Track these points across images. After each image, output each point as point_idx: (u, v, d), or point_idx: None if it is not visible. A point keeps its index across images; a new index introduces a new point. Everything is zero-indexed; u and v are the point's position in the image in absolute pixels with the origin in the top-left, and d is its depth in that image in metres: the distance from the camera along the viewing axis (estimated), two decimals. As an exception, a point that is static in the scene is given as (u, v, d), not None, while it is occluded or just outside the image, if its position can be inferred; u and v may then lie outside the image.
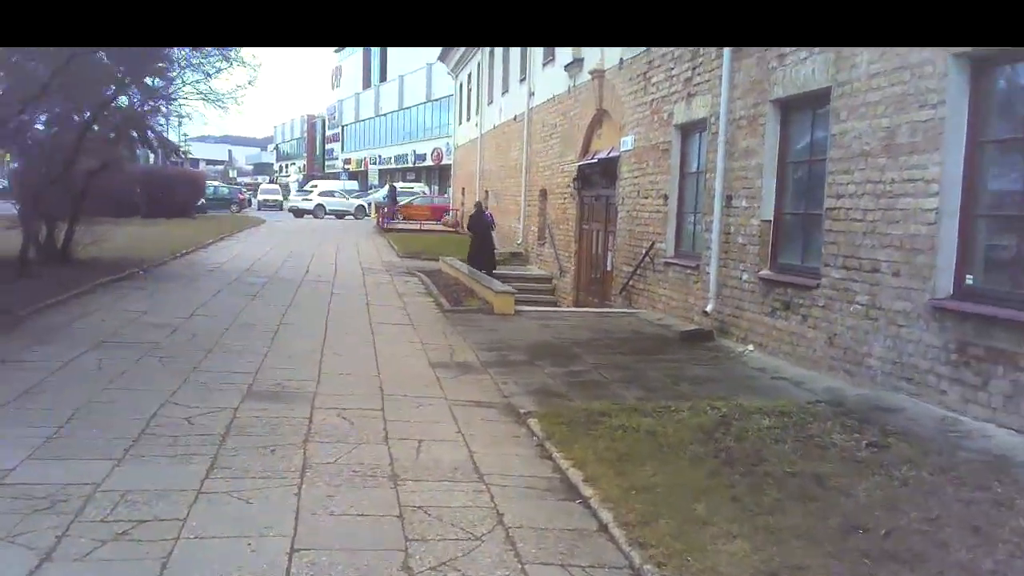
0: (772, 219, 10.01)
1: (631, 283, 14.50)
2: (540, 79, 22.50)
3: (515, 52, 25.88)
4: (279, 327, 11.17)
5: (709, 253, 11.32)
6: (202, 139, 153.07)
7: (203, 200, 41.67)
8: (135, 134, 30.33)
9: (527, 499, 5.21)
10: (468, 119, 37.09)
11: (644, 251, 13.84)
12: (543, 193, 21.91)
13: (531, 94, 23.27)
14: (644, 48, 14.13)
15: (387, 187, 52.19)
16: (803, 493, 4.93)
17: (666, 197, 13.20)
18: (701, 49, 11.77)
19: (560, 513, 4.98)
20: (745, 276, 10.43)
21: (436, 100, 68.06)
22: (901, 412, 6.68)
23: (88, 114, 27.54)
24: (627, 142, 15.07)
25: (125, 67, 18.68)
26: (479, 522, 4.76)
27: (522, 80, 24.65)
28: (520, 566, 4.22)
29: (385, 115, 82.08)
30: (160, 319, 11.28)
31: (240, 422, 6.63)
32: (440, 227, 38.09)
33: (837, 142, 8.47)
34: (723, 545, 4.25)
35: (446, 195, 52.42)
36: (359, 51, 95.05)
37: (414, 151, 72.97)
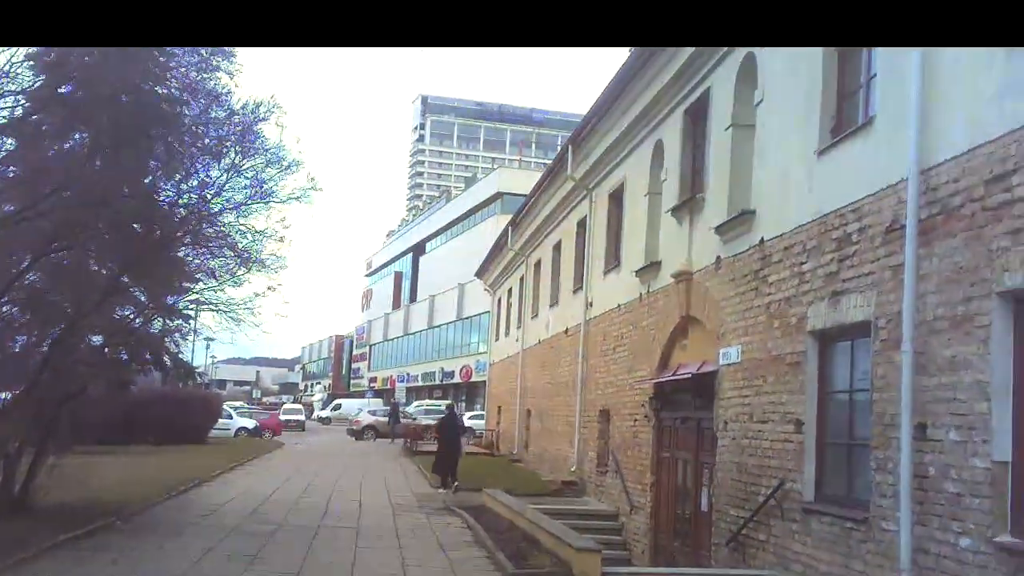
0: (1011, 460, 6.80)
1: (744, 532, 11.05)
2: (600, 288, 19.99)
3: (567, 262, 23.67)
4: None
5: (889, 503, 8.02)
6: (230, 360, 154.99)
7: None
8: (149, 356, 28.09)
9: None
10: (507, 334, 34.65)
11: (767, 492, 10.52)
12: (604, 414, 18.77)
13: (588, 304, 20.70)
14: (754, 243, 11.55)
15: (391, 405, 48.89)
16: None
17: (799, 423, 10.04)
18: (854, 235, 9.07)
19: None
20: (966, 542, 7.05)
21: (467, 318, 67.00)
22: None
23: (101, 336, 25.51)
24: (730, 354, 12.13)
25: (147, 290, 16.70)
26: None
27: (576, 290, 22.21)
28: None
29: (414, 334, 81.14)
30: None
31: None
32: (474, 448, 34.64)
33: None
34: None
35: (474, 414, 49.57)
36: (391, 274, 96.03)
37: (442, 368, 71.09)
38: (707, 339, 13.29)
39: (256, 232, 15.50)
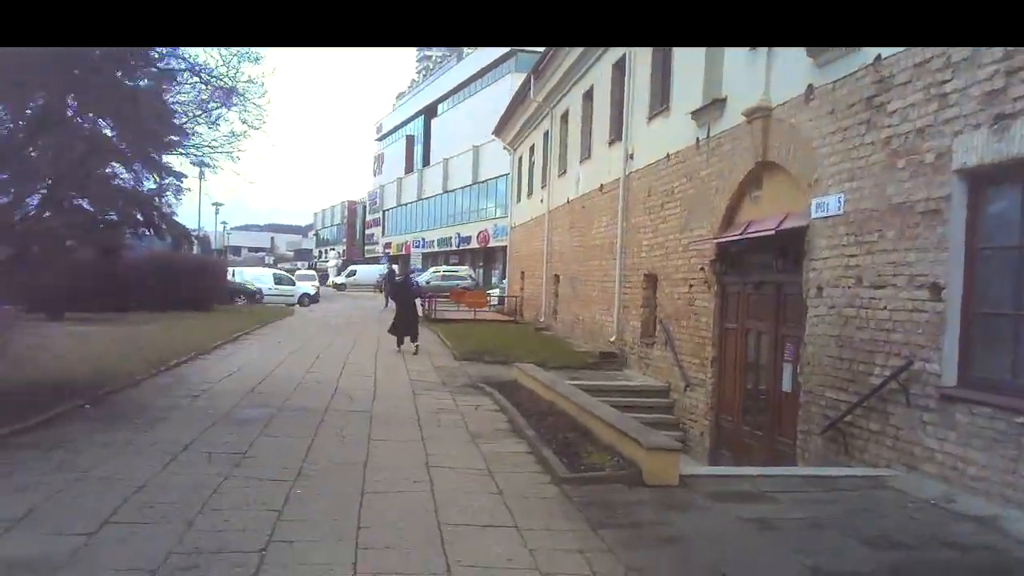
0: None
1: (848, 420, 8.98)
2: (643, 136, 17.39)
3: (601, 110, 20.93)
4: (262, 556, 5.61)
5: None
6: (246, 228, 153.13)
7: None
8: (140, 217, 25.90)
9: None
10: (530, 195, 32.16)
11: (884, 373, 8.37)
12: (650, 279, 16.55)
13: (628, 156, 18.15)
14: (866, 63, 8.98)
15: (386, 265, 45.93)
16: None
17: (937, 287, 7.76)
18: None
19: None
20: None
21: (482, 182, 64.36)
22: None
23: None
24: (828, 204, 9.75)
25: (130, 141, 14.56)
26: None
27: (613, 141, 19.60)
28: None
29: (428, 199, 78.73)
30: (31, 546, 5.80)
31: None
32: (496, 315, 32.82)
33: None
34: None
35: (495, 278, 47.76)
36: (402, 138, 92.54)
37: (458, 234, 68.94)
38: (791, 188, 10.88)
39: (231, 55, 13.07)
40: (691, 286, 14.16)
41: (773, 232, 10.89)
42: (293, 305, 39.24)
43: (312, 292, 44.45)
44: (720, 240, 12.89)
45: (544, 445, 9.15)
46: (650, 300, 16.55)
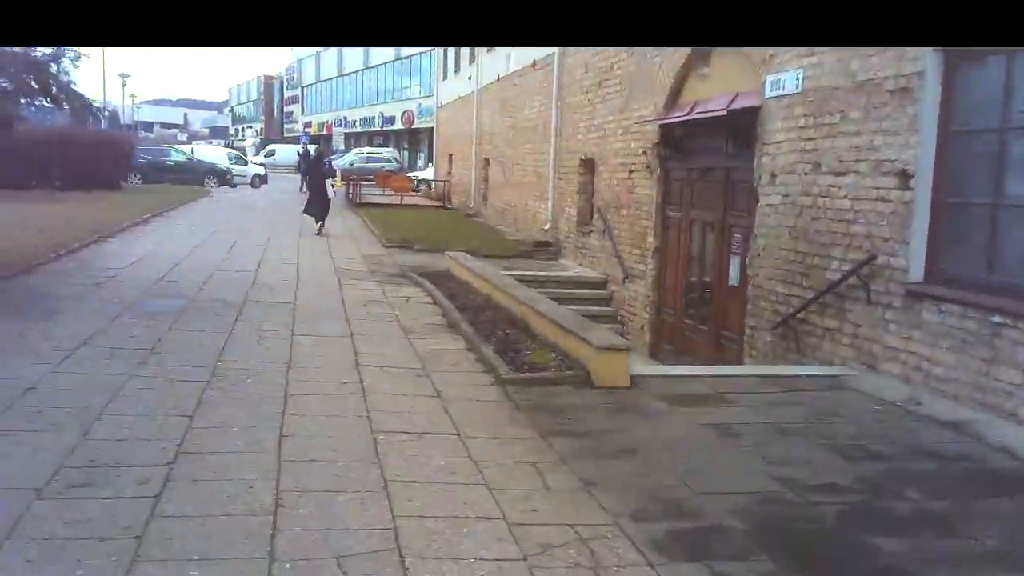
0: None
1: (801, 316, 8.60)
2: (581, 6, 16.30)
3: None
4: (169, 470, 4.90)
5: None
6: (157, 102, 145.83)
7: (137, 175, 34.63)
8: (34, 84, 23.71)
9: None
10: (457, 72, 30.75)
11: (844, 268, 7.93)
12: (587, 164, 15.84)
13: (565, 29, 17.07)
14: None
15: (302, 145, 44.17)
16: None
17: (905, 174, 7.25)
18: None
19: None
20: None
21: (406, 58, 61.79)
22: None
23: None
24: (784, 81, 9.11)
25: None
26: None
27: (547, 12, 18.43)
28: None
29: (349, 75, 75.65)
30: None
31: None
32: (423, 200, 31.82)
33: None
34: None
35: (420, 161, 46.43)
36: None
37: (381, 114, 66.64)
38: (742, 64, 10.17)
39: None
40: (631, 172, 13.50)
41: (723, 112, 10.21)
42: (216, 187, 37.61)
43: (263, 173, 44.26)
44: (664, 121, 12.19)
45: (483, 342, 8.54)
46: (587, 186, 15.88)
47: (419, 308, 10.95)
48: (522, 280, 12.86)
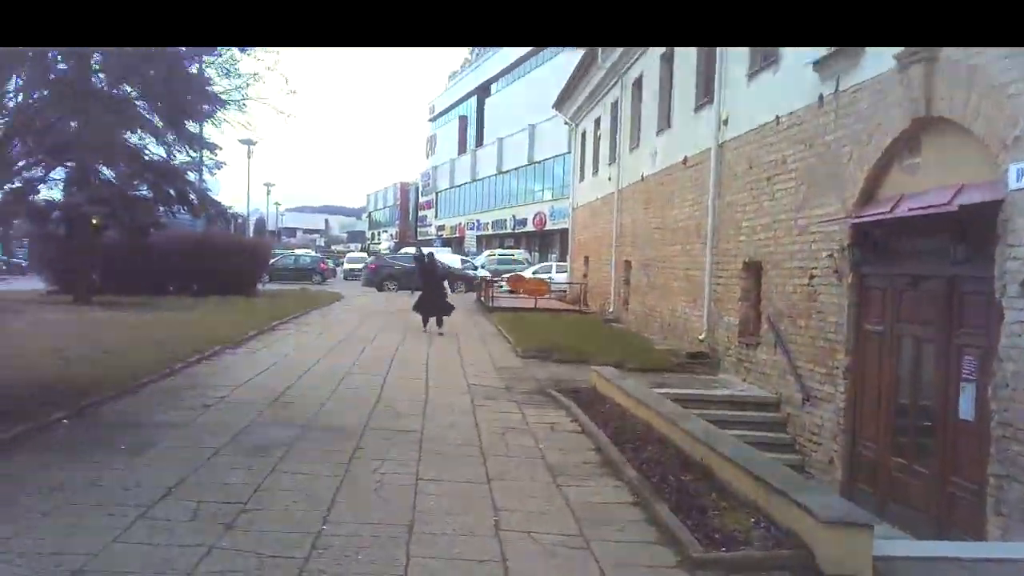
0: None
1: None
2: (741, 97, 14.74)
3: (684, 70, 18.32)
4: None
5: None
6: (300, 209, 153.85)
7: (266, 276, 35.05)
8: (172, 191, 23.82)
9: None
10: (595, 173, 29.60)
11: None
12: (751, 267, 13.96)
13: (722, 123, 15.52)
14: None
15: (416, 250, 43.99)
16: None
17: None
18: None
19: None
20: None
21: (538, 162, 61.93)
22: None
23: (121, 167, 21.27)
24: (1042, 168, 7.14)
25: (160, 110, 12.92)
26: None
27: (700, 106, 17.00)
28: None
29: (482, 180, 76.57)
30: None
31: None
32: (558, 304, 30.32)
33: None
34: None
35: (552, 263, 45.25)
36: (455, 119, 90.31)
37: (513, 216, 66.67)
38: (969, 151, 8.25)
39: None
40: (812, 277, 11.55)
41: (952, 209, 8.24)
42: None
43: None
44: (857, 220, 10.28)
45: (655, 495, 6.72)
46: (751, 292, 13.97)
47: (567, 440, 9.24)
48: (680, 399, 11.17)
